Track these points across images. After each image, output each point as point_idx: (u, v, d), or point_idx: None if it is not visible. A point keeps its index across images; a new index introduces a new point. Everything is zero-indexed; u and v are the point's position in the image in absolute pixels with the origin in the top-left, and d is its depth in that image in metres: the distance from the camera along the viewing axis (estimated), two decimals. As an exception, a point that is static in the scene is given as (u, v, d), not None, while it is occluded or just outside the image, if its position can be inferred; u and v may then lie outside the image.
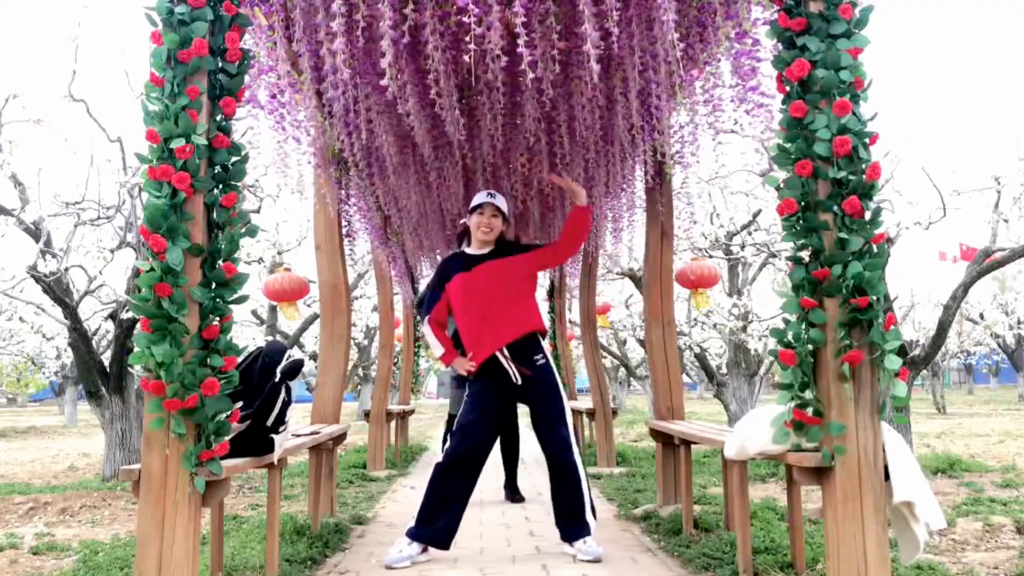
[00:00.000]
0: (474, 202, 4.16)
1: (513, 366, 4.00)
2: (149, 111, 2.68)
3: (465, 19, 2.71)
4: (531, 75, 2.82)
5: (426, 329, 4.24)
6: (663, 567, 3.68)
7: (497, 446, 5.18)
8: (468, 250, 4.18)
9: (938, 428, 12.70)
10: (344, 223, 5.21)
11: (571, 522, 3.90)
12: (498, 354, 3.99)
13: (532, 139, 4.19)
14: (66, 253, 6.70)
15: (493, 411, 4.02)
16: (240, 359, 3.04)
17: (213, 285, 2.73)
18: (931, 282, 14.41)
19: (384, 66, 2.81)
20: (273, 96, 3.62)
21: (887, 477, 2.64)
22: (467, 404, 4.04)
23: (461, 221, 4.33)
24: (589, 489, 3.97)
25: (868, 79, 2.68)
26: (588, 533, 3.86)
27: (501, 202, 4.14)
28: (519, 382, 4.00)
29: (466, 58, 2.78)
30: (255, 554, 3.70)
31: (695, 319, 10.43)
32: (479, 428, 3.95)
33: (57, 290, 6.73)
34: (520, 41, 2.71)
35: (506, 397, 4.05)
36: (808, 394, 2.65)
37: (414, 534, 3.82)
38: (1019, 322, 18.90)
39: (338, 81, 3.08)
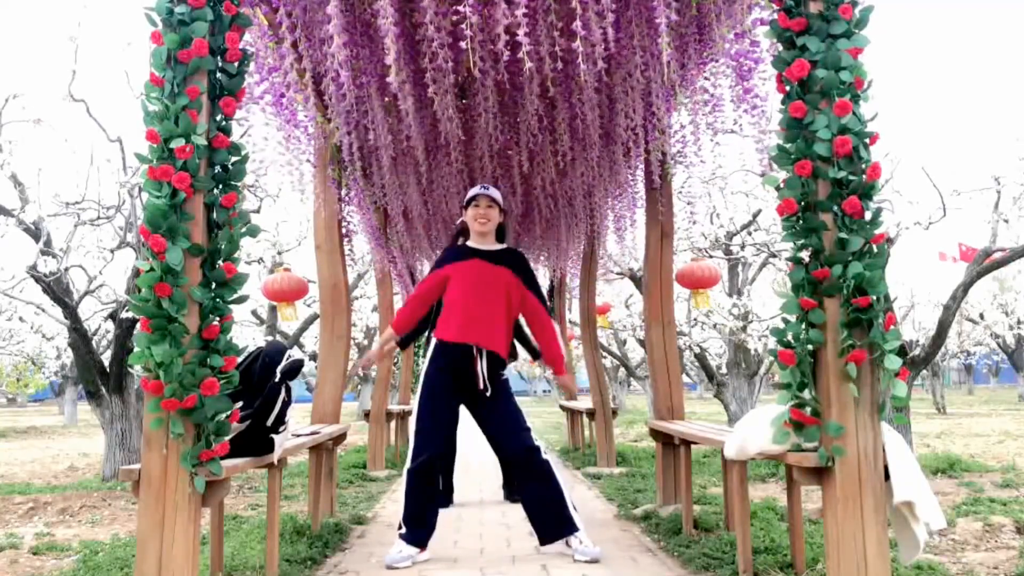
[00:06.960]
0: (468, 196, 4.17)
1: (484, 375, 3.96)
2: (149, 111, 2.68)
3: (465, 17, 2.71)
4: (530, 74, 2.82)
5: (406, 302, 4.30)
6: (663, 567, 3.68)
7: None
8: (470, 243, 4.18)
9: (938, 428, 12.70)
10: (344, 223, 5.21)
11: (554, 520, 3.89)
12: (476, 353, 3.94)
13: (532, 138, 4.19)
14: (66, 253, 6.70)
15: (447, 413, 3.98)
16: (240, 359, 3.04)
17: (213, 285, 2.73)
18: (931, 282, 14.43)
19: (389, 62, 2.81)
20: (281, 96, 3.62)
21: (887, 477, 2.64)
22: (423, 401, 3.97)
23: (459, 220, 4.33)
24: (566, 485, 3.97)
25: (868, 79, 2.68)
26: (576, 528, 3.86)
27: (495, 193, 4.13)
28: (488, 392, 3.96)
29: (465, 54, 2.79)
30: (255, 554, 3.70)
31: (695, 319, 10.42)
32: (438, 435, 3.94)
33: (57, 290, 6.73)
34: (520, 39, 2.71)
35: (460, 399, 4.02)
36: (807, 394, 2.66)
37: (408, 538, 3.84)
38: (1019, 322, 18.88)
39: (339, 81, 3.09)
